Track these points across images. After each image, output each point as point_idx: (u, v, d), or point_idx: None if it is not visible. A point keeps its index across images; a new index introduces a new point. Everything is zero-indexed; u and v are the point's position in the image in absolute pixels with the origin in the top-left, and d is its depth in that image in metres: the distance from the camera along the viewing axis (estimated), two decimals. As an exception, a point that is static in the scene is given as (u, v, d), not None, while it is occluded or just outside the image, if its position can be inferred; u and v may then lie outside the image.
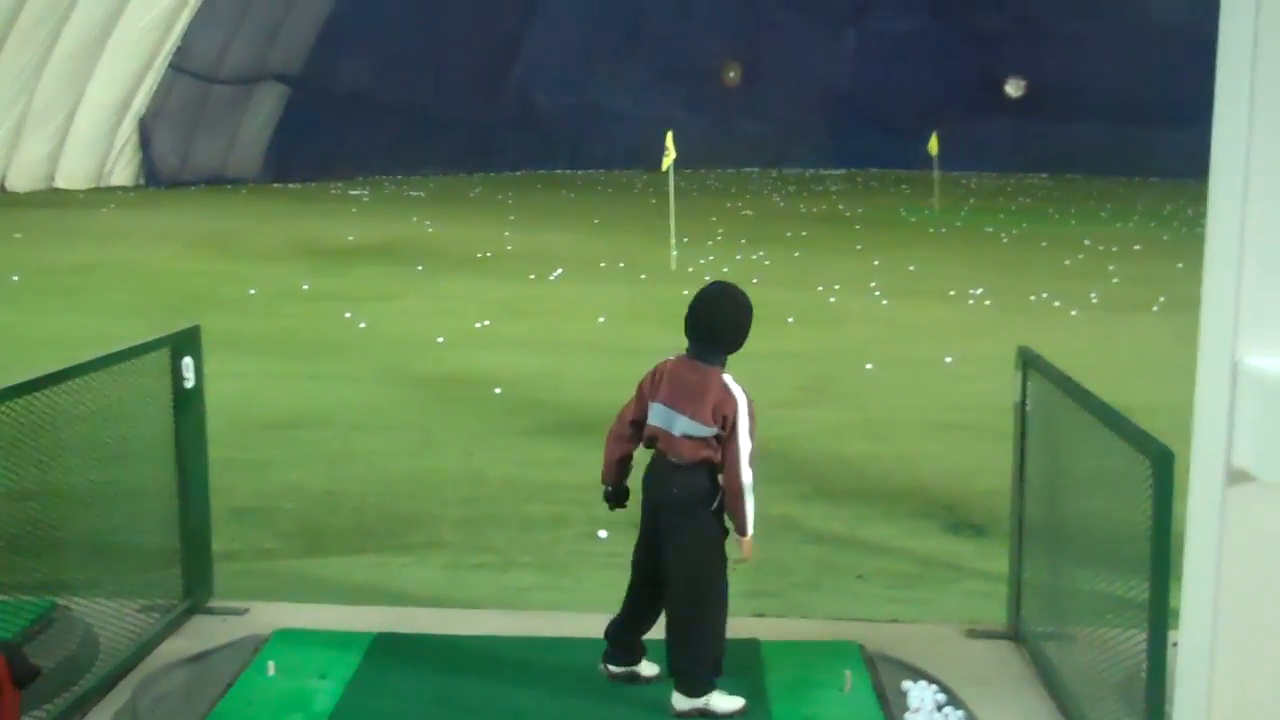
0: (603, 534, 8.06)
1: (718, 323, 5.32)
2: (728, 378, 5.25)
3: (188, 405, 6.03)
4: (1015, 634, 6.03)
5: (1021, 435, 5.92)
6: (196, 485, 6.24)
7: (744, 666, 5.64)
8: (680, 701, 5.26)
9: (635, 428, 5.40)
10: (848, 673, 5.52)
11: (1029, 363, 5.79)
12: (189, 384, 5.96)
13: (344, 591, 7.02)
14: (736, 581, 7.25)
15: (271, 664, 5.46)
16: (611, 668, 5.57)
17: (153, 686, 5.32)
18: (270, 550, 7.82)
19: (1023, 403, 5.85)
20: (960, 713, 5.20)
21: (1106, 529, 4.86)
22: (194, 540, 6.23)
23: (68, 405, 5.26)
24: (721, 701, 5.28)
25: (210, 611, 6.18)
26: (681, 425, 5.19)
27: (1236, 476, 2.69)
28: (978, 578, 7.47)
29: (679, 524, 5.28)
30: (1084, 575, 5.08)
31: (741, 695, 5.36)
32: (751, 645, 5.90)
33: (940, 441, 10.56)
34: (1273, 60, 2.60)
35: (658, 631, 5.53)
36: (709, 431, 5.16)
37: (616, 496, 5.58)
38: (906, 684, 5.49)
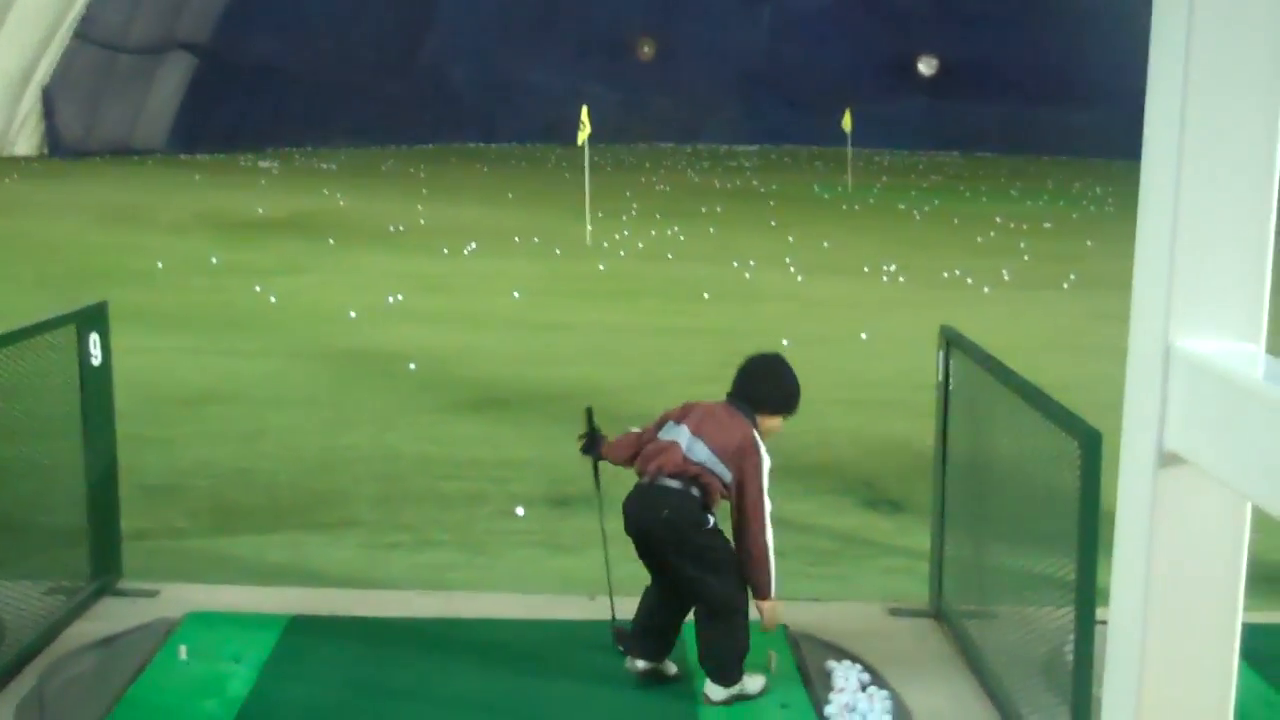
0: (520, 511, 8.01)
1: (762, 395, 5.46)
2: (757, 434, 5.34)
3: (94, 382, 5.87)
4: (937, 612, 6.04)
5: (944, 414, 5.92)
6: (104, 464, 6.09)
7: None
8: (716, 692, 5.24)
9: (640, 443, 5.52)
10: (772, 653, 5.49)
11: (952, 341, 5.80)
12: (96, 361, 5.80)
13: (258, 571, 6.90)
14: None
15: (183, 648, 5.34)
16: (640, 664, 5.42)
17: (60, 672, 5.17)
18: (181, 529, 7.67)
19: (945, 382, 5.85)
20: (884, 692, 5.20)
21: (1031, 508, 4.88)
22: (102, 520, 6.08)
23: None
24: (751, 683, 5.30)
25: (120, 593, 6.03)
26: (699, 451, 5.22)
27: (1168, 459, 2.69)
28: (896, 554, 7.50)
29: (677, 553, 5.23)
30: (1007, 554, 5.11)
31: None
32: (673, 628, 5.87)
33: (857, 418, 10.59)
34: (1207, 36, 2.58)
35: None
36: (723, 471, 5.20)
37: (591, 440, 5.65)
38: (830, 664, 5.48)
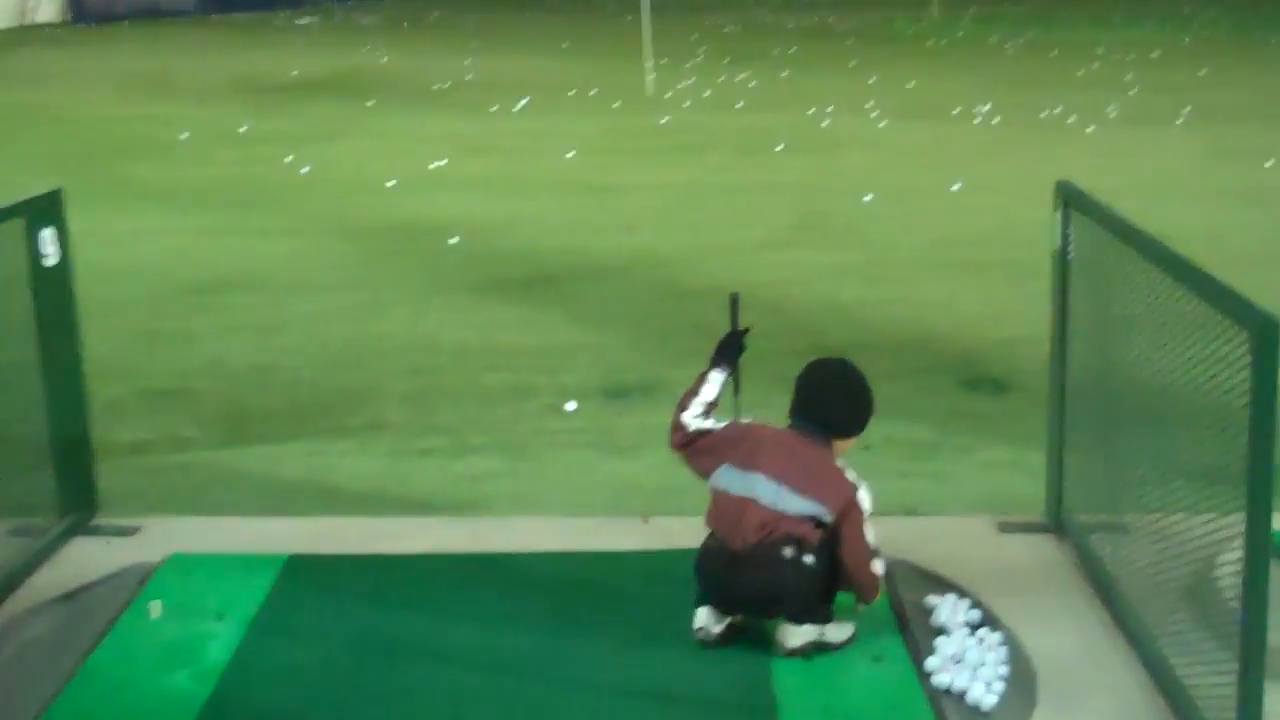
0: (570, 406, 7.40)
1: (830, 412, 4.76)
2: (841, 462, 4.69)
3: (50, 286, 5.22)
4: (1056, 526, 5.33)
5: (1062, 288, 5.18)
6: (67, 383, 5.45)
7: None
8: (793, 636, 4.55)
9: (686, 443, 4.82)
10: None
11: (1070, 201, 5.02)
12: (50, 260, 5.16)
13: (269, 490, 6.34)
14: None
15: (156, 604, 4.75)
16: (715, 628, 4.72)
17: (13, 636, 4.61)
18: (188, 439, 7.13)
19: (1064, 249, 5.10)
20: (998, 635, 4.53)
21: (1179, 402, 4.16)
22: (69, 448, 5.50)
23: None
24: (836, 630, 4.64)
25: (94, 531, 5.44)
26: (790, 503, 4.52)
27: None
28: (1002, 443, 6.84)
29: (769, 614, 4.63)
30: (1150, 460, 4.39)
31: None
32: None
33: (950, 283, 9.87)
34: None
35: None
36: (828, 516, 4.54)
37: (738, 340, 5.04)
38: (932, 599, 4.81)
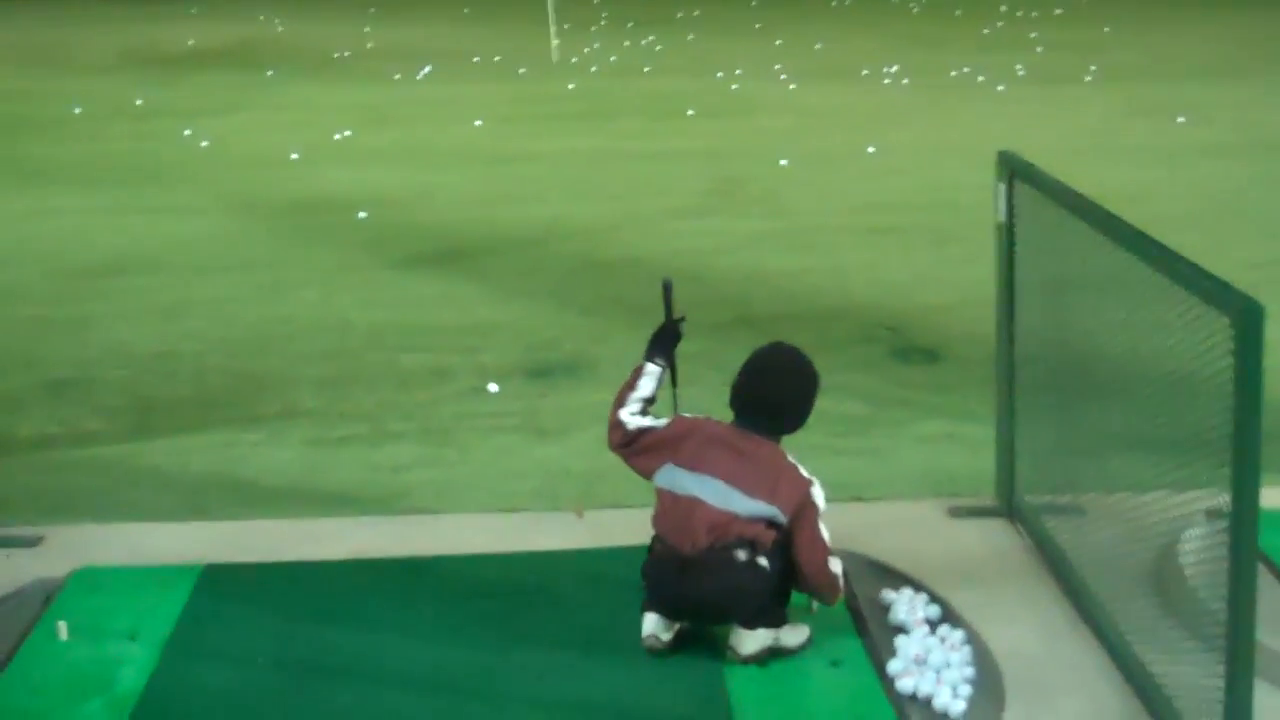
0: (493, 387, 7.12)
1: (780, 402, 4.44)
2: (793, 457, 4.40)
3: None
4: (1009, 510, 5.12)
5: (1008, 263, 4.94)
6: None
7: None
8: (747, 643, 4.30)
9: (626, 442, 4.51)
10: None
11: (1017, 172, 4.78)
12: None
13: (179, 485, 6.01)
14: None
15: (63, 624, 4.40)
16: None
17: (-97, 666, 4.25)
18: (93, 432, 6.76)
19: (1010, 223, 4.86)
20: (960, 632, 4.31)
21: (1141, 377, 3.95)
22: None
23: None
24: (791, 634, 4.39)
25: (-6, 541, 5.10)
26: (739, 504, 4.24)
27: None
28: (937, 415, 6.67)
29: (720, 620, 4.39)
30: (1113, 441, 4.17)
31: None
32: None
33: (872, 249, 9.68)
34: None
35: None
36: (782, 517, 4.26)
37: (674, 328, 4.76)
38: (888, 594, 4.58)
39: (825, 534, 4.36)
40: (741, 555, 4.21)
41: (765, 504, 4.25)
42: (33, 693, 4.15)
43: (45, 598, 4.68)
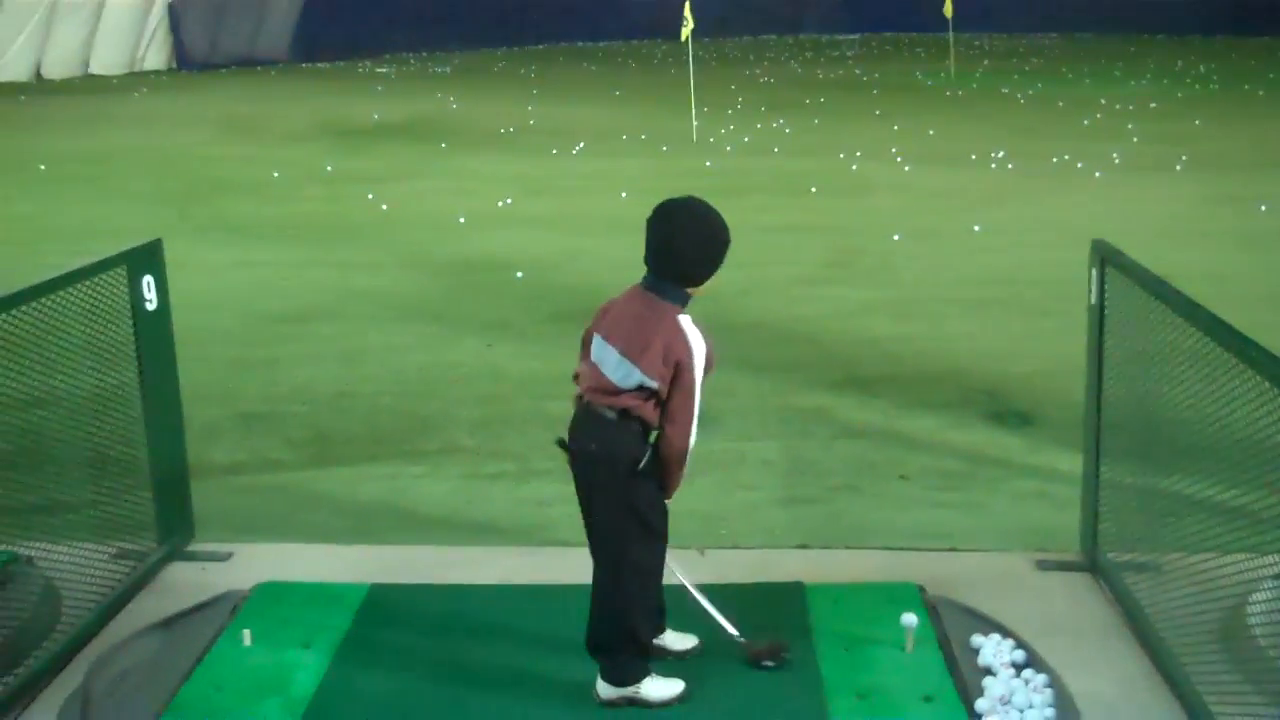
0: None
1: (676, 244, 4.06)
2: (685, 319, 4.04)
3: (151, 329, 5.01)
4: (1093, 565, 5.05)
5: (1098, 339, 4.89)
6: (167, 417, 5.23)
7: (789, 616, 4.73)
8: (605, 690, 4.19)
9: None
10: (909, 625, 4.49)
11: (1107, 259, 4.74)
12: (151, 305, 4.95)
13: (350, 511, 6.14)
14: (773, 488, 6.40)
15: (247, 632, 4.54)
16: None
17: (110, 665, 4.38)
18: (278, 461, 6.94)
19: (1100, 304, 4.81)
20: (1043, 676, 4.24)
21: (1216, 449, 3.89)
22: (168, 478, 5.28)
23: (18, 331, 4.31)
24: (653, 688, 4.20)
25: (190, 556, 5.23)
26: (615, 366, 4.03)
27: None
28: (1029, 475, 6.56)
29: (598, 485, 4.14)
30: (1189, 503, 4.10)
31: (788, 644, 4.43)
32: (796, 590, 4.92)
33: (974, 319, 9.58)
34: None
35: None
36: (650, 382, 3.98)
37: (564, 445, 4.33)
38: (977, 638, 4.52)
39: (696, 404, 4.03)
40: (609, 415, 4.03)
41: (635, 369, 3.99)
42: (219, 690, 4.27)
43: (233, 608, 4.82)
